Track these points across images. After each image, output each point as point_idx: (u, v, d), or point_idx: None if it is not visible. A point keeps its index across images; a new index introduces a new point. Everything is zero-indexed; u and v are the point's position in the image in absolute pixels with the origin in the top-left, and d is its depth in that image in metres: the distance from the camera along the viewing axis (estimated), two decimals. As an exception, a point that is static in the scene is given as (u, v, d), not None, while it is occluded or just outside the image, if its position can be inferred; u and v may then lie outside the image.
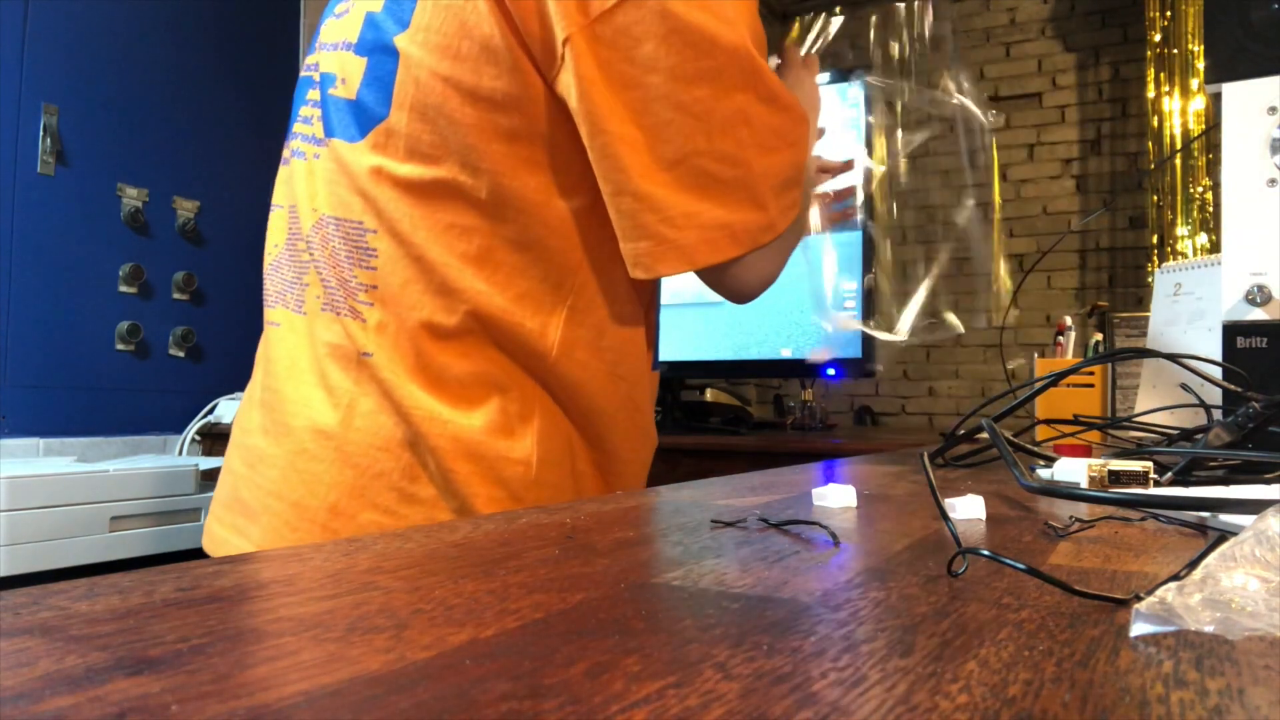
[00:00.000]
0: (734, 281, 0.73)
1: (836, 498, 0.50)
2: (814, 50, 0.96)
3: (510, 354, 0.67)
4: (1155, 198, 3.19)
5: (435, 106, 0.63)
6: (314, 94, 0.71)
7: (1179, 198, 3.13)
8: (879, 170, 1.02)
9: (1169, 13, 3.18)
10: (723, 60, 0.64)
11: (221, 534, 0.70)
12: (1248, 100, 0.79)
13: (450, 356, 0.66)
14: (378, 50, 0.66)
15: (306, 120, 0.71)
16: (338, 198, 0.67)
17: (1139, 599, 0.24)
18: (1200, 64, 3.05)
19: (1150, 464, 0.53)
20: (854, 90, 1.46)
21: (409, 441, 0.65)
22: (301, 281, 0.70)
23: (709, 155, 0.64)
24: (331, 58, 0.70)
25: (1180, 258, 3.07)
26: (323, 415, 0.66)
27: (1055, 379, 0.76)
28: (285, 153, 0.74)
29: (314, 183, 0.69)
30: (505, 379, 0.67)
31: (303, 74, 0.75)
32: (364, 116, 0.66)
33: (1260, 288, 0.76)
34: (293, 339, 0.69)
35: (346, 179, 0.67)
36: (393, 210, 0.65)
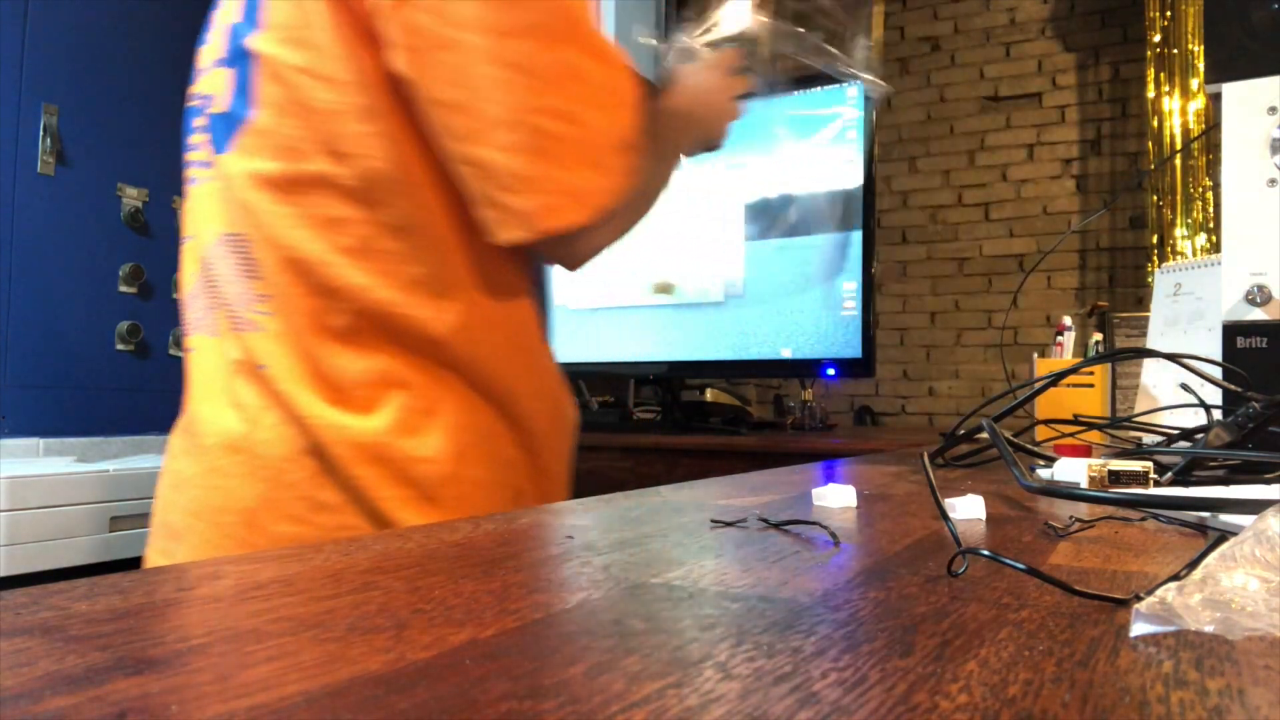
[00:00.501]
0: (574, 249, 0.69)
1: (836, 498, 0.50)
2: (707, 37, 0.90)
3: (407, 346, 0.66)
4: (1155, 198, 3.19)
5: (294, 99, 0.64)
6: (200, 120, 0.72)
7: (1179, 198, 3.13)
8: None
9: (1169, 13, 3.18)
10: (542, 13, 0.62)
11: (153, 558, 0.71)
12: (1248, 100, 0.79)
13: (345, 358, 0.65)
14: (240, 57, 0.67)
15: (196, 147, 0.72)
16: (228, 214, 0.68)
17: (1139, 599, 0.24)
18: (1200, 64, 3.05)
19: (1150, 464, 0.53)
20: (852, 91, 1.46)
21: (313, 450, 0.64)
22: (213, 306, 0.70)
23: (540, 112, 0.62)
24: (208, 79, 0.71)
25: (1180, 258, 3.08)
26: (232, 431, 0.66)
27: (1055, 379, 0.76)
28: (185, 184, 0.75)
29: (210, 205, 0.70)
30: (406, 374, 0.66)
31: (188, 105, 0.75)
32: (233, 123, 0.67)
33: (1260, 288, 0.76)
34: (206, 362, 0.70)
35: (230, 193, 0.68)
36: (267, 216, 0.65)
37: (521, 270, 0.72)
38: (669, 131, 0.80)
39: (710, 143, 0.86)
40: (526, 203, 0.62)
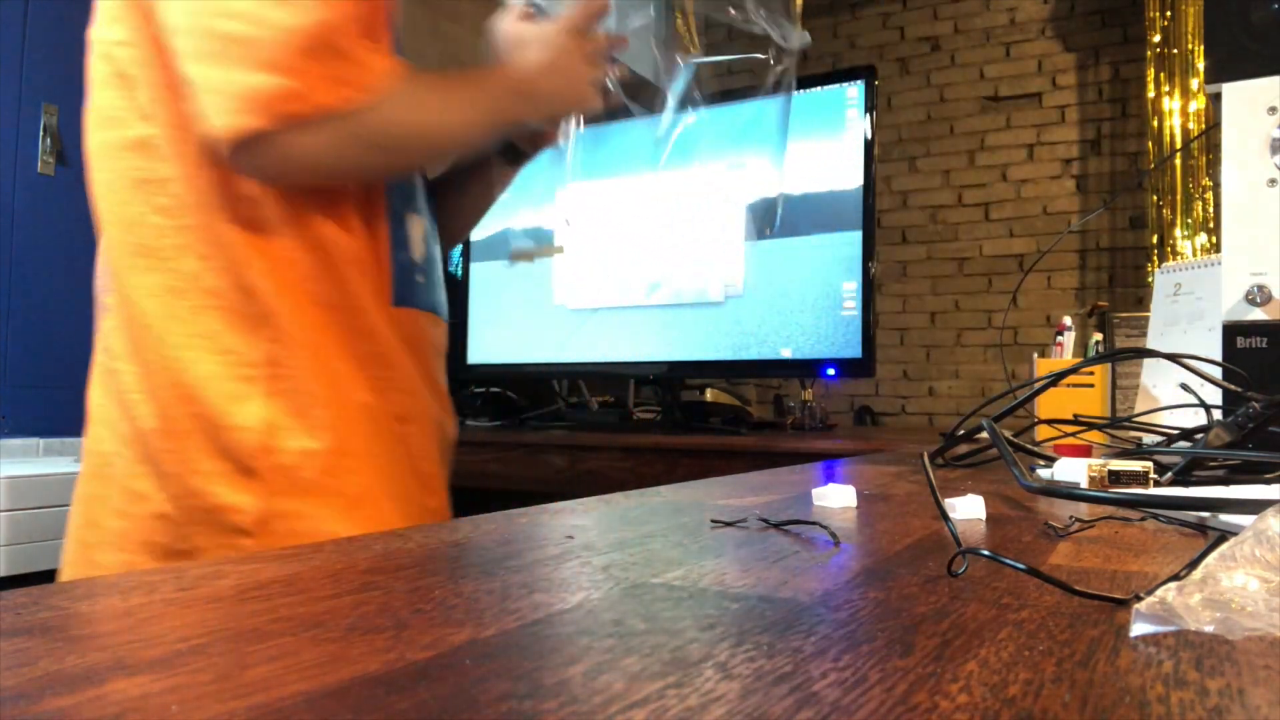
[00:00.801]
0: (264, 158, 0.63)
1: (836, 498, 0.50)
2: None
3: (225, 305, 0.65)
4: (1155, 198, 3.19)
5: (117, 72, 0.66)
6: None
7: (1179, 198, 3.13)
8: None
9: (1169, 13, 3.18)
10: None
11: None
12: (1248, 100, 0.79)
13: (170, 324, 0.65)
14: (86, 54, 0.70)
15: None
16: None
17: (1139, 599, 0.24)
18: (1200, 64, 3.05)
19: (1150, 464, 0.53)
20: (852, 91, 1.46)
21: (131, 438, 0.65)
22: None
23: (217, 15, 0.60)
24: None
25: (1180, 258, 3.08)
26: (87, 437, 0.69)
27: (1055, 379, 0.76)
28: None
29: None
30: (227, 336, 0.65)
31: None
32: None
33: (1260, 288, 0.76)
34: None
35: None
36: (101, 187, 0.67)
37: (335, 219, 0.69)
38: (481, 87, 0.73)
39: (559, 116, 0.78)
40: (206, 108, 0.61)
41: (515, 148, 0.86)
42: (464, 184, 0.89)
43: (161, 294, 0.65)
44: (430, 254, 0.79)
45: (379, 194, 0.72)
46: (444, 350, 0.81)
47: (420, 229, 0.77)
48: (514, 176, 0.90)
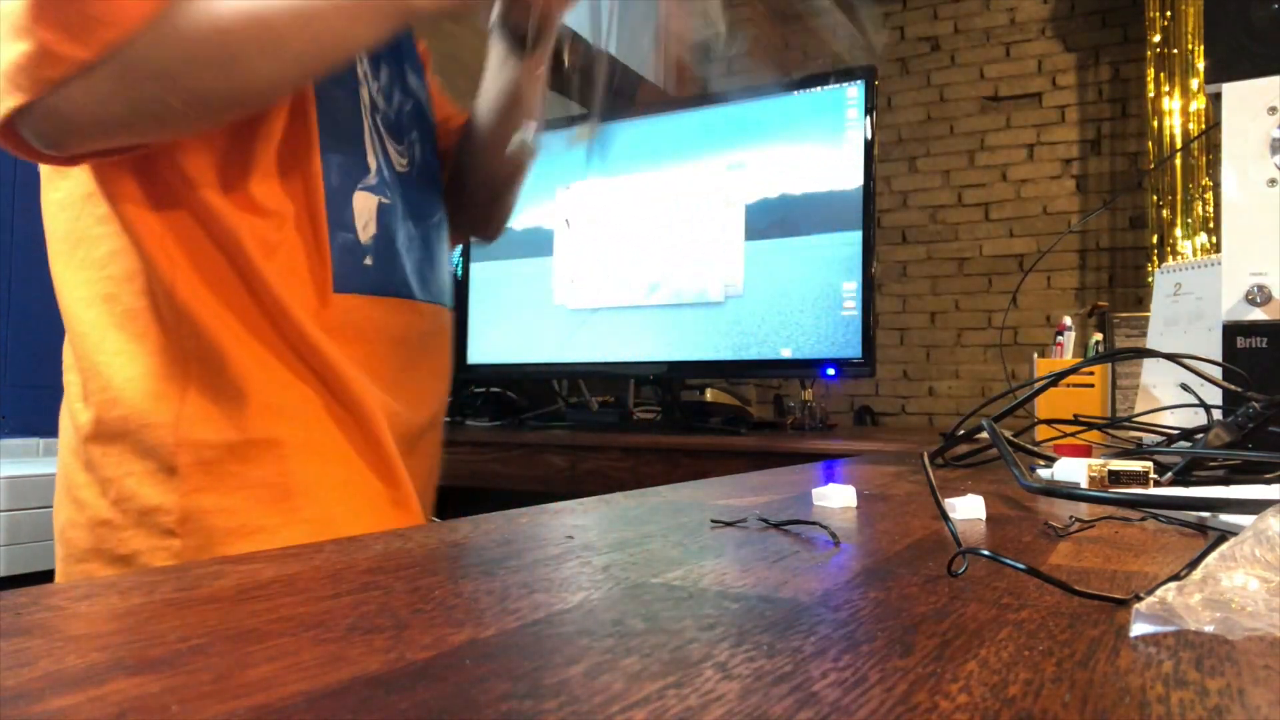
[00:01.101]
0: (45, 127, 0.60)
1: (836, 498, 0.50)
2: None
3: (152, 304, 0.64)
4: (1155, 198, 3.19)
5: None
6: None
7: (1179, 198, 3.13)
8: None
9: (1169, 13, 3.18)
10: None
11: None
12: (1248, 100, 0.79)
13: (102, 329, 0.65)
14: None
15: None
16: None
17: (1139, 599, 0.24)
18: (1200, 64, 3.05)
19: (1150, 464, 0.53)
20: (852, 91, 1.46)
21: (76, 447, 0.66)
22: None
23: None
24: None
25: (1180, 258, 3.08)
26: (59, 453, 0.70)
27: (1055, 379, 0.76)
28: None
29: None
30: (156, 336, 0.64)
31: None
32: None
33: (1260, 288, 0.76)
34: None
35: None
36: (55, 207, 0.69)
37: (243, 204, 0.65)
38: None
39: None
40: None
41: (516, 33, 0.77)
42: (490, 105, 0.82)
43: (98, 302, 0.65)
44: (389, 232, 0.73)
45: (312, 173, 0.68)
46: (410, 335, 0.75)
47: (372, 206, 0.71)
48: (539, 66, 0.78)
